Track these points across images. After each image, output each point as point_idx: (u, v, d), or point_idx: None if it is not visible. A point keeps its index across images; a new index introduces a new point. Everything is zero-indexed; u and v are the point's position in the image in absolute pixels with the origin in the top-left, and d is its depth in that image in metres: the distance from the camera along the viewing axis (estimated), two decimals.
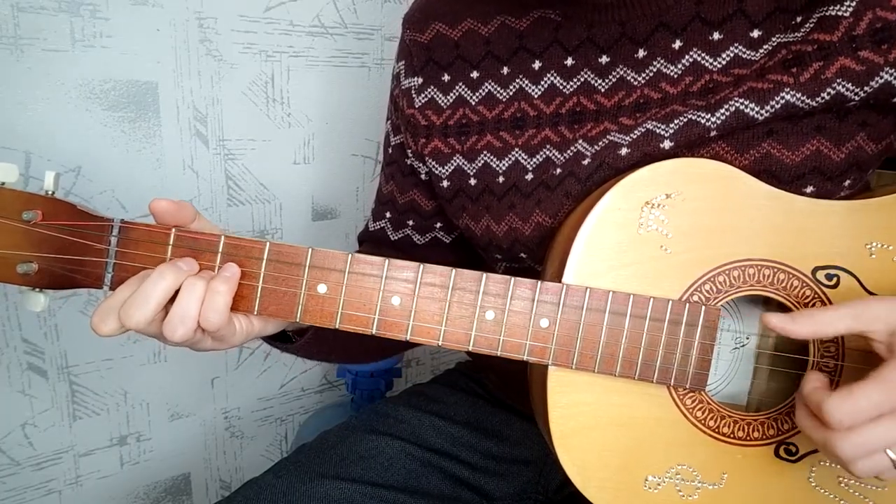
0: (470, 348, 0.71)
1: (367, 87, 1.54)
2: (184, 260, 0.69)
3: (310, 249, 0.70)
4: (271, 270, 0.70)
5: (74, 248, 0.69)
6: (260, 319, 0.76)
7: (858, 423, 0.59)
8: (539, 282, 0.70)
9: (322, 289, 0.70)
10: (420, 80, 0.94)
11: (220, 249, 0.70)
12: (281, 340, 0.87)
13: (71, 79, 1.17)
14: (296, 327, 0.85)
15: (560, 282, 0.70)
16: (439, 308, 0.70)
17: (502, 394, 1.09)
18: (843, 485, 0.73)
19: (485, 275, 0.70)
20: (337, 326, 0.71)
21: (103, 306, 0.68)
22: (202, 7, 1.27)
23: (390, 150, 1.04)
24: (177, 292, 0.67)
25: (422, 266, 0.70)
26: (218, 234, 0.70)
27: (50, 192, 0.69)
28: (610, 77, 0.81)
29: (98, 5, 1.16)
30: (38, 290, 0.71)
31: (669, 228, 0.69)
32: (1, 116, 1.12)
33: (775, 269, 0.70)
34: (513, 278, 0.70)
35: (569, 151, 0.82)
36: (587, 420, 0.73)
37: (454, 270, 0.70)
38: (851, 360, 0.71)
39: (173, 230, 0.70)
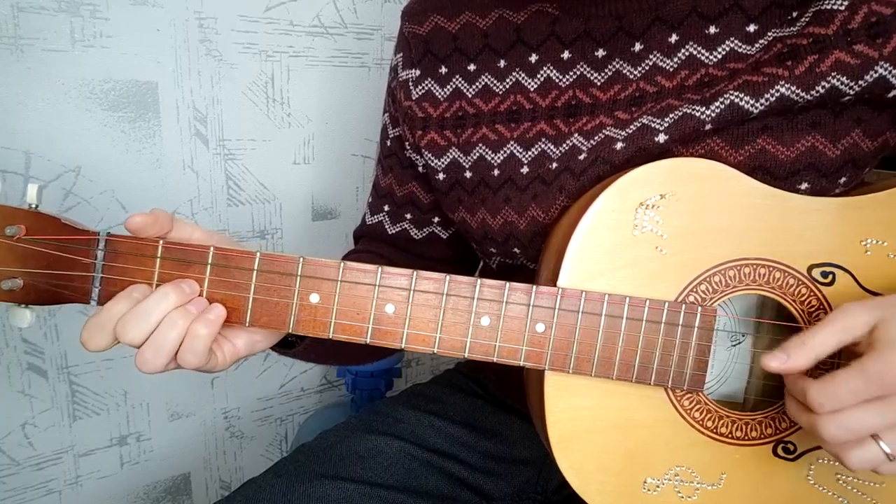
0: (466, 355, 0.70)
1: (366, 87, 1.54)
2: (186, 282, 0.68)
3: (301, 259, 0.69)
4: (262, 281, 0.69)
5: (60, 263, 0.68)
6: (247, 341, 0.75)
7: (838, 407, 0.60)
8: (534, 286, 0.69)
9: (314, 298, 0.70)
10: (418, 73, 0.94)
11: (210, 261, 0.69)
12: (279, 344, 0.86)
13: (71, 79, 1.17)
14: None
15: (555, 285, 0.70)
16: (434, 315, 0.70)
17: (501, 394, 1.09)
18: (841, 482, 0.73)
19: (479, 280, 0.70)
20: (330, 336, 0.70)
21: (92, 322, 0.67)
22: (202, 7, 1.27)
23: (388, 143, 1.04)
24: None
25: (415, 273, 0.69)
26: (207, 246, 0.69)
27: (33, 206, 0.68)
28: (606, 70, 0.81)
29: (98, 5, 1.16)
30: (23, 305, 0.69)
31: (664, 229, 0.69)
32: (1, 116, 1.12)
33: (771, 268, 0.70)
34: (507, 283, 0.69)
35: (565, 145, 0.82)
36: (585, 424, 0.72)
37: (448, 277, 0.70)
38: (847, 358, 0.70)
39: (161, 242, 0.69)
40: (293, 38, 1.41)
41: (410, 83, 0.94)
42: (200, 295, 0.69)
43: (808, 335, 0.64)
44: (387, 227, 1.06)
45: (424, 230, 1.05)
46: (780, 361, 0.65)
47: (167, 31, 1.25)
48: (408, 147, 0.98)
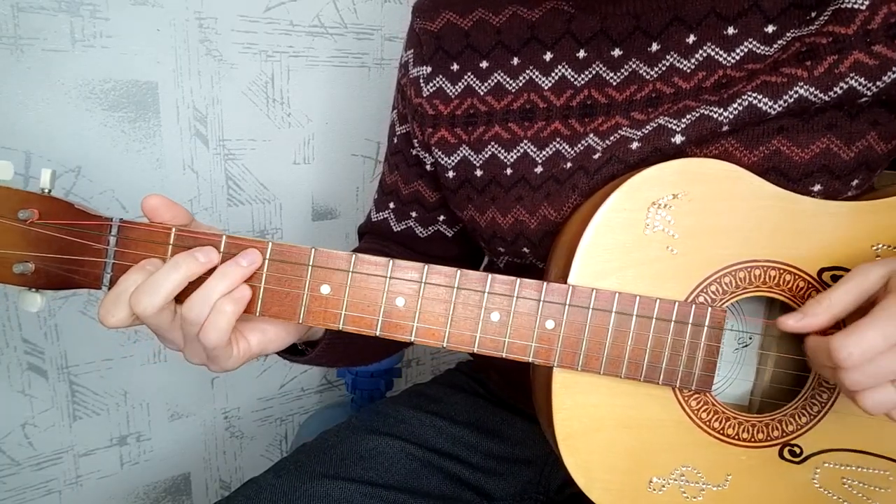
0: (475, 350, 0.70)
1: (367, 87, 1.54)
2: (202, 250, 0.67)
3: (312, 249, 0.69)
4: (274, 271, 0.69)
5: (72, 248, 0.68)
6: (260, 340, 0.74)
7: (868, 355, 0.59)
8: (545, 283, 0.69)
9: (325, 289, 0.69)
10: (429, 69, 0.93)
11: (222, 249, 0.68)
12: (288, 352, 0.86)
13: (71, 79, 1.17)
14: (304, 339, 0.84)
15: (565, 282, 0.70)
16: (444, 309, 0.70)
17: (504, 393, 1.09)
18: (846, 486, 0.73)
19: (490, 276, 0.69)
20: (340, 328, 0.70)
21: (109, 297, 0.66)
22: (202, 7, 1.27)
23: (395, 140, 1.03)
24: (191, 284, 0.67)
25: (426, 266, 0.69)
26: (220, 234, 0.69)
27: (46, 191, 0.68)
28: (622, 70, 0.81)
29: (98, 5, 1.16)
30: (34, 290, 0.69)
31: (676, 229, 0.69)
32: (1, 116, 1.12)
33: (781, 271, 0.70)
34: (518, 279, 0.69)
35: (580, 145, 0.82)
36: (592, 422, 0.72)
37: (459, 271, 0.69)
38: None
39: (174, 230, 0.68)
40: (293, 38, 1.40)
41: (421, 80, 0.94)
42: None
43: (825, 294, 0.64)
44: (392, 224, 1.06)
45: (430, 228, 1.04)
46: (796, 320, 0.65)
47: (167, 31, 1.24)
48: (416, 144, 0.97)
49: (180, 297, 0.67)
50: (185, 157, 1.32)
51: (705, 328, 0.70)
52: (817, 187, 0.73)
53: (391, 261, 0.69)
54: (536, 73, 0.86)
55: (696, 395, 0.72)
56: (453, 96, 0.91)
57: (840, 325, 0.68)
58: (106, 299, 0.67)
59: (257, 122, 1.40)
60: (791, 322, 0.65)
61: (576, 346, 0.70)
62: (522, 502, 1.01)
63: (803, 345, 0.68)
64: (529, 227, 0.84)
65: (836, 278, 0.69)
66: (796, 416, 0.73)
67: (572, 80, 0.84)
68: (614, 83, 0.81)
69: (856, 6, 0.68)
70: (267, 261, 0.69)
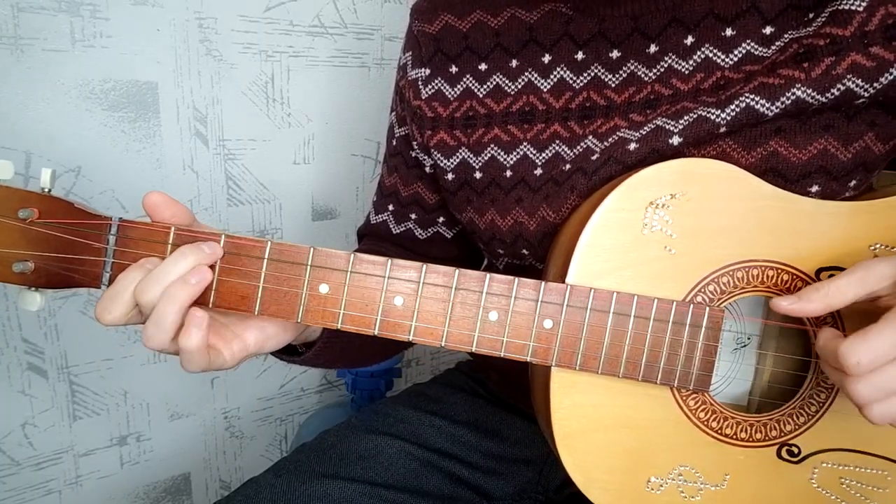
0: (473, 349, 0.70)
1: (367, 87, 1.54)
2: (208, 243, 0.68)
3: (311, 249, 0.69)
4: (272, 270, 0.69)
5: (72, 247, 0.68)
6: (258, 338, 0.74)
7: (876, 364, 0.59)
8: (543, 282, 0.69)
9: (324, 289, 0.69)
10: (427, 72, 0.93)
11: (221, 248, 0.69)
12: (286, 353, 0.86)
13: (71, 79, 1.17)
14: (301, 340, 0.84)
15: (563, 282, 0.70)
16: (442, 308, 0.70)
17: (503, 393, 1.09)
18: (845, 486, 0.73)
19: (488, 275, 0.69)
20: (339, 327, 0.70)
21: (107, 294, 0.67)
22: (202, 7, 1.27)
23: (394, 142, 1.03)
24: None
25: (425, 266, 0.69)
26: (219, 233, 0.69)
27: (46, 190, 0.68)
28: (620, 72, 0.81)
29: (98, 5, 1.16)
30: (34, 289, 0.69)
31: (674, 229, 0.69)
32: (1, 116, 1.12)
33: (779, 270, 0.70)
34: (516, 279, 0.69)
35: (579, 147, 0.82)
36: (590, 421, 0.72)
37: (457, 270, 0.69)
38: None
39: (173, 228, 0.68)
40: (293, 38, 1.41)
41: (420, 82, 0.93)
42: (213, 267, 0.69)
43: (824, 282, 0.64)
44: (391, 226, 1.06)
45: (429, 230, 1.04)
46: (790, 302, 0.65)
47: (167, 31, 1.25)
48: (415, 147, 0.97)
49: None
50: (185, 157, 1.32)
51: (703, 328, 0.70)
52: (815, 188, 0.73)
53: (390, 260, 0.69)
54: (535, 76, 0.86)
55: (695, 395, 0.72)
56: (452, 98, 0.91)
57: (837, 318, 0.69)
58: (104, 296, 0.67)
59: (257, 122, 1.40)
60: (784, 303, 0.65)
61: (574, 345, 0.70)
62: (521, 502, 1.01)
63: (813, 343, 0.68)
64: (528, 228, 0.84)
65: None
66: (794, 416, 0.73)
67: (571, 81, 0.84)
68: (613, 85, 0.81)
69: (853, 7, 0.68)
70: (266, 260, 0.69)
